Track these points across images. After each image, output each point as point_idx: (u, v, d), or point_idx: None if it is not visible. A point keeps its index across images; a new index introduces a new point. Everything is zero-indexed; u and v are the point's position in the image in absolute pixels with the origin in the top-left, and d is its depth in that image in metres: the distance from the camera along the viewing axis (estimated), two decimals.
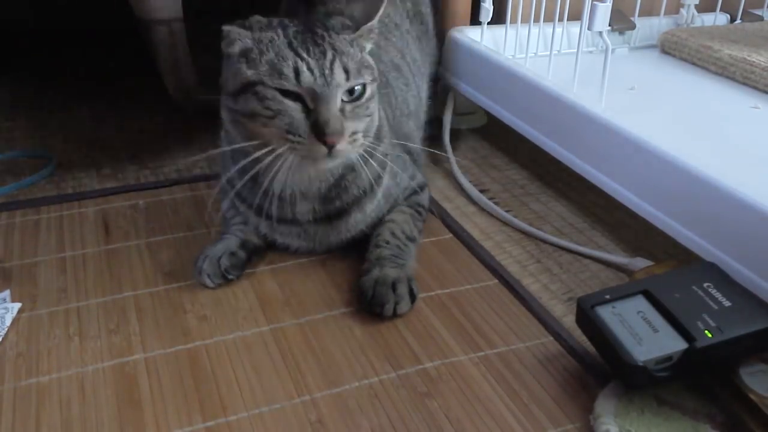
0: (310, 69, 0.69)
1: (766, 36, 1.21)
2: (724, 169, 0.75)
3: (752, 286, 0.68)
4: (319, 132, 0.69)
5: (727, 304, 0.64)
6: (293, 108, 0.70)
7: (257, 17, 0.73)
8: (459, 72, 1.18)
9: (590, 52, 1.23)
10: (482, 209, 1.00)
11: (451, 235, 0.93)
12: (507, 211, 0.98)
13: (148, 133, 1.23)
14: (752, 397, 0.60)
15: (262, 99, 0.70)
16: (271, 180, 0.75)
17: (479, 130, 1.27)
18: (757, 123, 0.97)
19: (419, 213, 0.89)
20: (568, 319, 0.76)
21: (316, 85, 0.69)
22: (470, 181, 1.06)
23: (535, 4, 1.11)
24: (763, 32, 1.23)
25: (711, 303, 0.64)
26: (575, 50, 0.97)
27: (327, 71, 0.69)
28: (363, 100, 0.73)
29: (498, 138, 1.22)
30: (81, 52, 1.68)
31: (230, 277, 0.80)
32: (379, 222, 0.85)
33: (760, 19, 1.36)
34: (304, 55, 0.70)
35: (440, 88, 1.25)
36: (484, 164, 1.14)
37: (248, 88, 0.71)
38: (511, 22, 1.13)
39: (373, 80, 0.75)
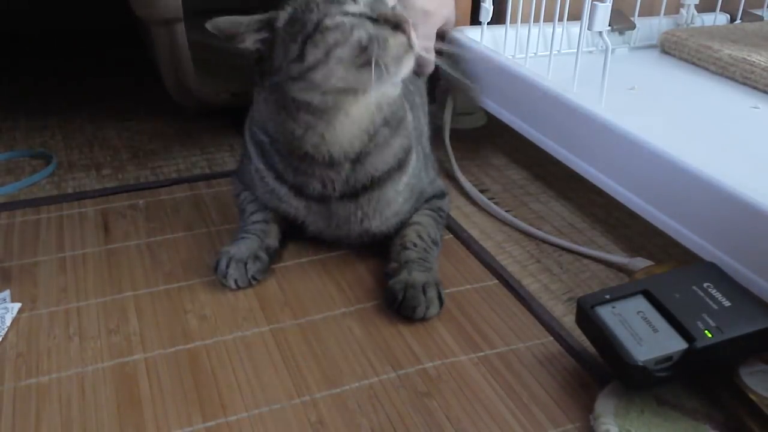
0: None
1: (766, 36, 1.21)
2: (725, 169, 0.74)
3: (752, 286, 0.68)
4: (395, 21, 0.71)
5: (727, 304, 0.64)
6: (360, 23, 0.71)
7: None
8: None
9: (590, 52, 1.23)
10: (482, 209, 1.00)
11: (451, 235, 0.93)
12: (507, 211, 0.98)
13: (148, 133, 1.23)
14: (752, 397, 0.60)
15: (334, 28, 0.70)
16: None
17: (479, 130, 1.27)
18: (757, 123, 0.97)
19: (441, 217, 0.88)
20: (568, 319, 0.76)
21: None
22: (470, 181, 1.06)
23: (535, 4, 1.11)
24: (763, 32, 1.23)
25: (711, 303, 0.64)
26: (575, 50, 0.96)
27: None
28: None
29: (498, 138, 1.22)
30: (81, 52, 1.68)
31: (254, 282, 0.80)
32: (403, 224, 0.85)
33: (760, 19, 1.36)
34: None
35: (440, 89, 1.25)
36: (484, 164, 1.14)
37: (313, 33, 0.71)
38: (511, 22, 1.13)
39: None
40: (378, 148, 0.78)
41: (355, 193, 0.80)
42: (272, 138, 0.80)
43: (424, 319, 0.75)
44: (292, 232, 0.87)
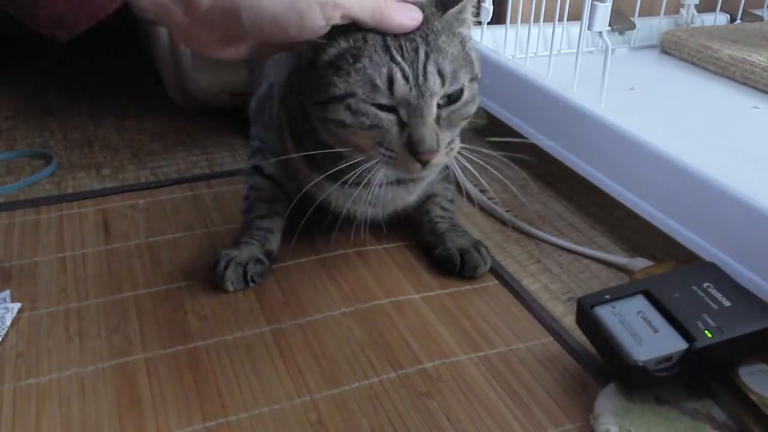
0: (405, 77, 0.62)
1: (766, 36, 1.21)
2: (724, 169, 0.75)
3: (752, 286, 0.68)
4: (414, 149, 0.64)
5: (727, 304, 0.64)
6: (387, 121, 0.65)
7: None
8: None
9: (590, 52, 1.23)
10: (482, 209, 1.00)
11: None
12: (507, 211, 0.98)
13: (148, 133, 1.23)
14: (752, 397, 0.60)
15: (355, 112, 0.64)
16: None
17: (479, 130, 1.26)
18: (757, 123, 0.98)
19: (447, 174, 0.89)
20: (568, 319, 0.76)
21: (410, 96, 0.63)
22: (470, 181, 1.05)
23: (535, 4, 1.11)
24: (763, 32, 1.23)
25: (711, 303, 0.64)
26: (575, 50, 0.97)
27: (421, 77, 0.63)
28: (460, 104, 0.67)
29: (498, 138, 1.22)
30: (81, 52, 1.67)
31: (252, 284, 0.80)
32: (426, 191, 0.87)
33: (760, 19, 1.36)
34: (398, 58, 0.62)
35: None
36: (484, 164, 1.13)
37: (340, 99, 0.65)
38: (511, 23, 1.13)
39: (472, 79, 0.68)
40: None
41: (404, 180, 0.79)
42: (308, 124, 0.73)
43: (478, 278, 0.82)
44: (291, 232, 0.87)
